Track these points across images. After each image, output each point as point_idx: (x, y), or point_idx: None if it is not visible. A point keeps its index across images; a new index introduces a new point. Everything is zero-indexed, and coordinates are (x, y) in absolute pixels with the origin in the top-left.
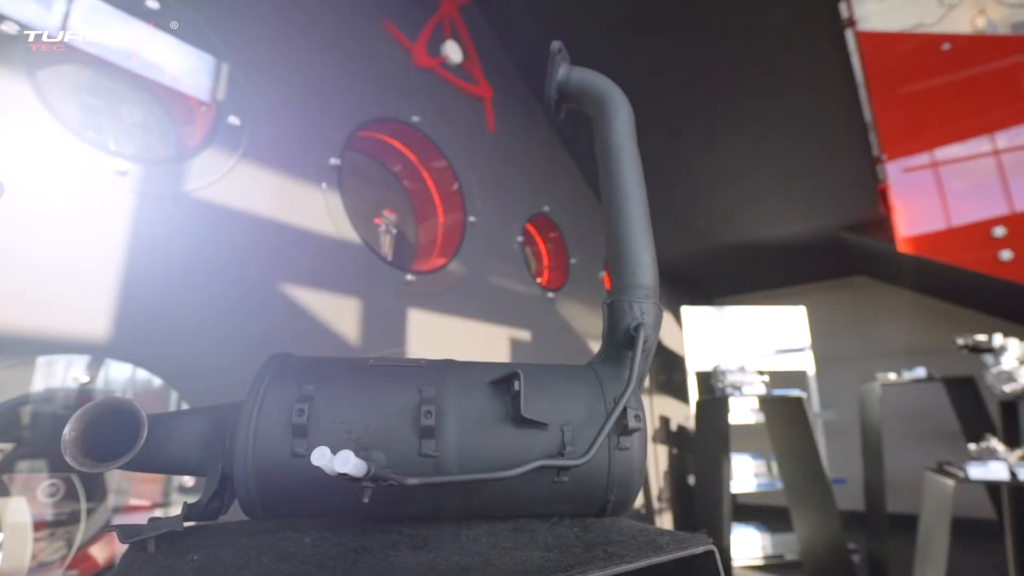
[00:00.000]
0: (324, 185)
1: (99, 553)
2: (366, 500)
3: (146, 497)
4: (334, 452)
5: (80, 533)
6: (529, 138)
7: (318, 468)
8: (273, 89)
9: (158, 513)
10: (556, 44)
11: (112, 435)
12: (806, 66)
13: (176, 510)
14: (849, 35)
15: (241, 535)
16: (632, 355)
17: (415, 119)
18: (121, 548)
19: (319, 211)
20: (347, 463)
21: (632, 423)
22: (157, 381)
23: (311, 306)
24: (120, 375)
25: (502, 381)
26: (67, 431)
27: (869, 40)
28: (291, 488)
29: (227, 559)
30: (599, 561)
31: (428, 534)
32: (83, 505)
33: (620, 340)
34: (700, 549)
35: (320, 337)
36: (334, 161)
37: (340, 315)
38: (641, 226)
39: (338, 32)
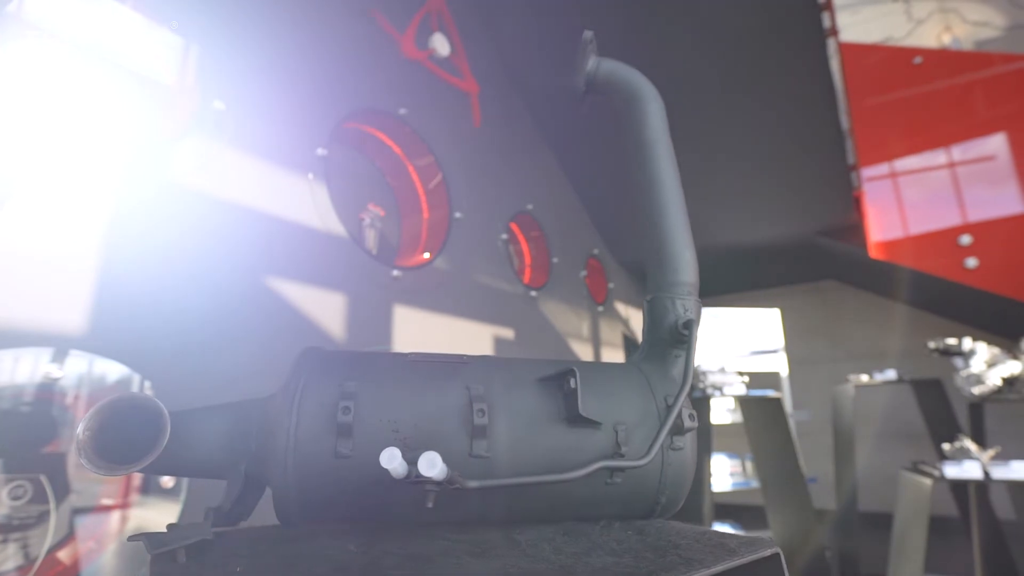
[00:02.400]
0: (310, 176)
1: (67, 557)
2: (430, 505)
3: (106, 497)
4: (379, 453)
5: (49, 536)
6: (514, 136)
7: (363, 470)
8: (260, 75)
9: (117, 515)
10: (588, 33)
11: (128, 434)
12: (787, 73)
13: (140, 512)
14: (831, 44)
15: (276, 542)
16: (686, 353)
17: (402, 112)
18: (90, 554)
19: (305, 202)
20: (434, 466)
21: (687, 423)
22: (114, 375)
23: (295, 298)
24: (75, 368)
25: (553, 378)
26: (80, 430)
27: (849, 51)
28: (333, 491)
29: (275, 570)
30: (680, 567)
31: (479, 539)
32: (52, 507)
33: (665, 337)
34: (768, 552)
35: (304, 330)
36: (321, 151)
37: (324, 308)
38: (680, 222)
39: (327, 20)
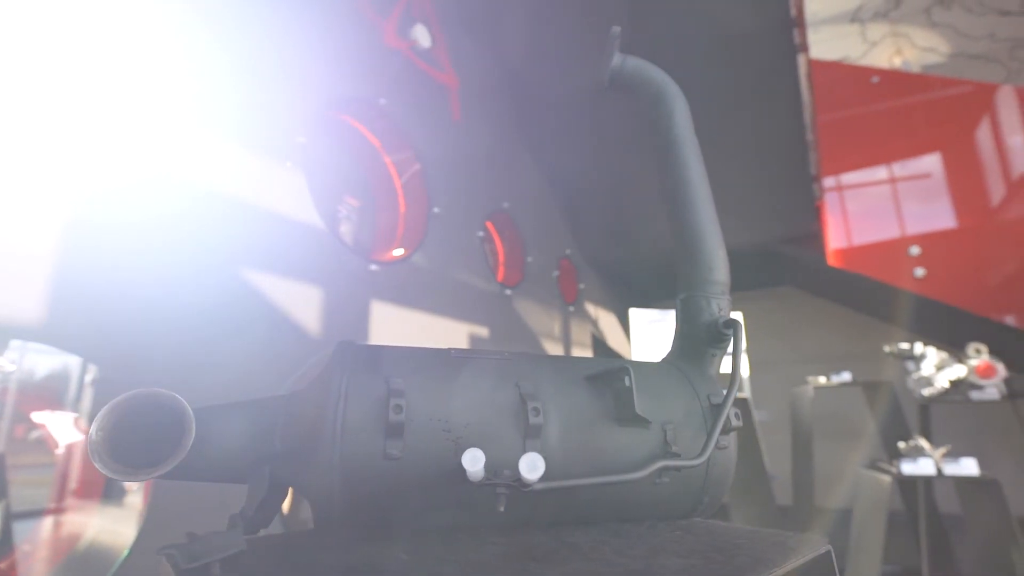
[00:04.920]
0: (288, 164)
1: (9, 569)
2: (502, 508)
3: (36, 502)
4: (430, 454)
5: None
6: (492, 133)
7: (413, 471)
8: (239, 54)
9: (66, 521)
10: (615, 29)
11: (143, 435)
12: (758, 85)
13: (77, 517)
14: (801, 59)
15: (315, 551)
16: (734, 352)
17: (382, 102)
18: (35, 566)
19: (282, 191)
20: (535, 469)
21: (734, 421)
22: (47, 366)
23: (268, 290)
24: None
25: (602, 377)
26: (93, 430)
27: (816, 66)
28: (380, 494)
29: None
30: (756, 566)
31: (530, 543)
32: None
33: (702, 336)
34: (823, 549)
35: (277, 323)
36: (300, 139)
37: (300, 302)
38: (712, 221)
39: (308, 4)
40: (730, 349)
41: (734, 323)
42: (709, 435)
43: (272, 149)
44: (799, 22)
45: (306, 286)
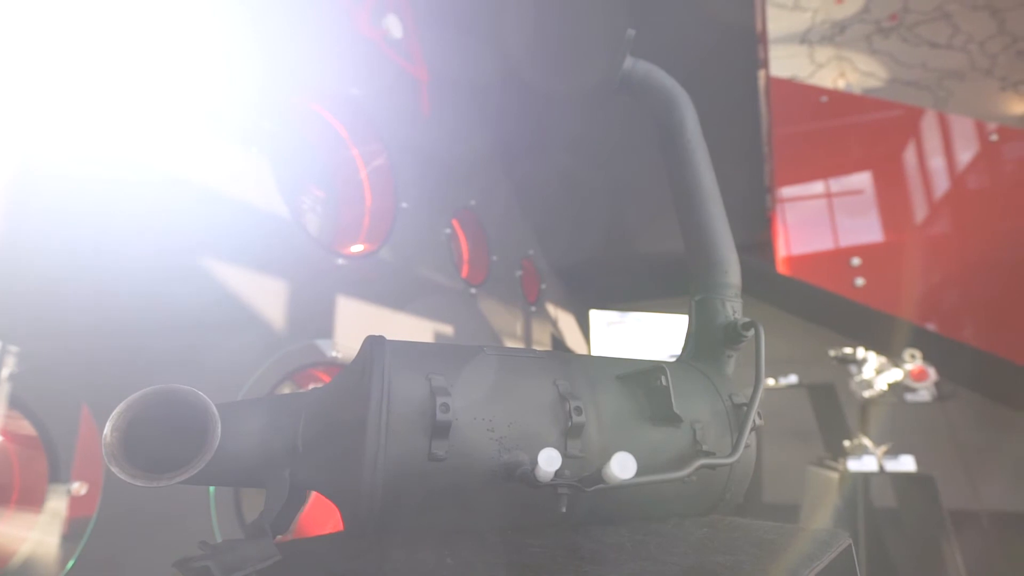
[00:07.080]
0: (254, 150)
1: None
2: (563, 510)
3: None
4: (475, 455)
5: None
6: (460, 129)
7: (456, 473)
8: (207, 33)
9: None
10: (630, 32)
11: (158, 435)
12: (719, 98)
13: (10, 530)
14: (761, 75)
15: (353, 557)
16: (757, 352)
17: (353, 92)
18: None
19: (246, 178)
20: (626, 469)
21: (757, 420)
22: None
23: (228, 280)
24: None
25: (637, 376)
26: (107, 431)
27: (775, 83)
28: (422, 497)
29: None
30: (803, 560)
31: (569, 543)
32: None
33: (719, 337)
34: (846, 543)
35: (238, 316)
36: (267, 125)
37: (262, 294)
38: (724, 225)
39: None
40: (750, 349)
41: (755, 324)
42: (740, 433)
43: (237, 133)
44: (762, 38)
45: (270, 278)
